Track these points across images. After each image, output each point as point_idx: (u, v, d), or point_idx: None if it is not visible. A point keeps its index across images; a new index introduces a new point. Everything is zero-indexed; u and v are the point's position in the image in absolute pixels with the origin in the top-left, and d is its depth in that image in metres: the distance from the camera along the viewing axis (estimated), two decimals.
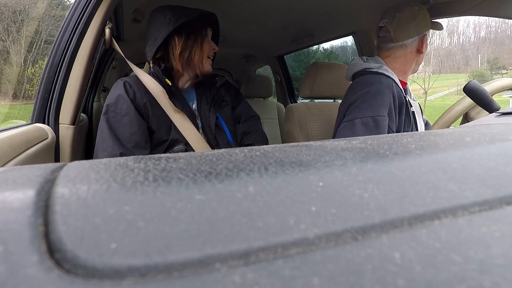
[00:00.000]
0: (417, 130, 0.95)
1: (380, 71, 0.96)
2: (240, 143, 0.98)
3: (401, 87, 0.95)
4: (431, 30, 1.02)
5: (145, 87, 0.83)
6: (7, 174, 0.16)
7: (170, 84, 0.85)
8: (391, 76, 0.93)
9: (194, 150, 0.82)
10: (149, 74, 0.85)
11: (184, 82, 0.91)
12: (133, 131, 0.79)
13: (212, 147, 0.89)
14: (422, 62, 1.04)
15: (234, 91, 1.02)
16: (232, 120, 0.99)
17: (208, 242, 0.11)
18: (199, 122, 0.90)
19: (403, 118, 0.89)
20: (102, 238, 0.11)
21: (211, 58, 0.91)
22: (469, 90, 0.70)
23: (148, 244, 0.11)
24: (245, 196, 0.14)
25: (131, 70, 0.89)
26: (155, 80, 0.83)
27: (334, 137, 0.99)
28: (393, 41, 0.98)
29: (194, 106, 0.91)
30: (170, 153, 0.78)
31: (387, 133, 0.84)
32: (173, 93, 0.85)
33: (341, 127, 0.91)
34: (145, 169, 0.16)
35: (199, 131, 0.86)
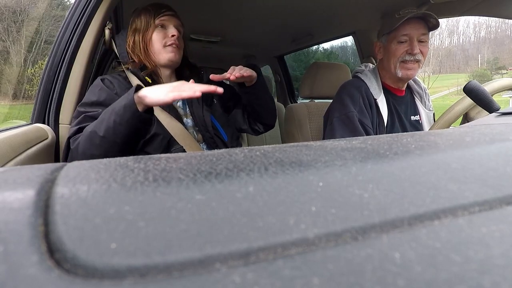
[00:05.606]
0: (381, 127, 1.00)
1: (357, 74, 1.08)
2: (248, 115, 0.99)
3: (373, 91, 1.01)
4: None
5: (127, 84, 0.82)
6: (7, 174, 0.16)
7: (150, 82, 0.83)
8: (365, 80, 1.04)
9: (180, 145, 0.82)
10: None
11: (166, 77, 0.89)
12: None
13: (210, 145, 0.88)
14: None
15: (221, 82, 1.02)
16: (226, 108, 0.99)
17: (208, 242, 0.11)
18: (189, 121, 0.89)
19: (374, 117, 1.00)
20: (102, 238, 0.11)
21: (175, 46, 0.85)
22: (469, 90, 0.70)
23: (148, 244, 0.11)
24: (245, 196, 0.14)
25: None
26: (138, 80, 0.82)
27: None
28: None
29: (179, 104, 0.89)
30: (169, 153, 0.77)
31: (361, 128, 0.95)
32: None
33: (326, 131, 1.04)
34: (145, 169, 0.16)
35: (189, 130, 0.85)
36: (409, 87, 1.10)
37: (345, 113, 0.97)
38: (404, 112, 1.04)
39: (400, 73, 1.00)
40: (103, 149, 0.67)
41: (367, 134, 0.96)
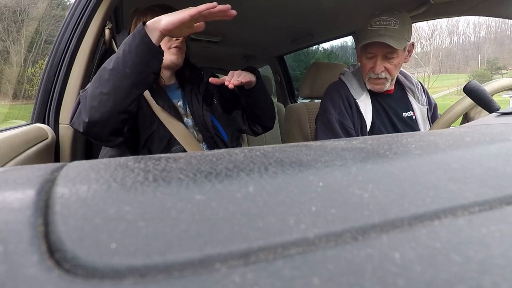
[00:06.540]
0: (362, 126, 1.00)
1: (340, 76, 1.10)
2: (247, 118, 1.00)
3: (353, 92, 1.02)
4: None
5: None
6: (7, 174, 0.16)
7: None
8: (345, 81, 1.06)
9: (181, 145, 0.82)
10: None
11: (166, 78, 0.89)
12: None
13: (210, 145, 0.88)
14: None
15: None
16: (227, 109, 0.98)
17: (208, 242, 0.11)
18: (190, 120, 0.89)
19: (355, 118, 1.02)
20: (102, 238, 0.11)
21: (179, 49, 0.85)
22: (469, 90, 0.70)
23: (148, 244, 0.11)
24: (245, 196, 0.14)
25: None
26: None
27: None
28: None
29: (179, 103, 0.90)
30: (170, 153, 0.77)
31: (342, 130, 0.98)
32: (155, 91, 0.83)
33: (314, 134, 1.09)
34: (145, 169, 0.16)
35: (189, 130, 0.86)
36: (400, 83, 1.09)
37: (326, 117, 1.01)
38: (393, 109, 1.03)
39: (369, 86, 1.02)
40: (111, 84, 0.64)
41: (349, 135, 0.98)
